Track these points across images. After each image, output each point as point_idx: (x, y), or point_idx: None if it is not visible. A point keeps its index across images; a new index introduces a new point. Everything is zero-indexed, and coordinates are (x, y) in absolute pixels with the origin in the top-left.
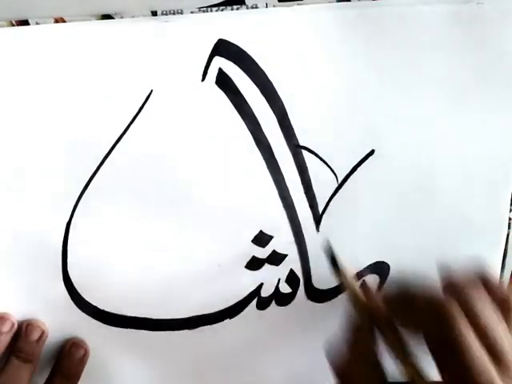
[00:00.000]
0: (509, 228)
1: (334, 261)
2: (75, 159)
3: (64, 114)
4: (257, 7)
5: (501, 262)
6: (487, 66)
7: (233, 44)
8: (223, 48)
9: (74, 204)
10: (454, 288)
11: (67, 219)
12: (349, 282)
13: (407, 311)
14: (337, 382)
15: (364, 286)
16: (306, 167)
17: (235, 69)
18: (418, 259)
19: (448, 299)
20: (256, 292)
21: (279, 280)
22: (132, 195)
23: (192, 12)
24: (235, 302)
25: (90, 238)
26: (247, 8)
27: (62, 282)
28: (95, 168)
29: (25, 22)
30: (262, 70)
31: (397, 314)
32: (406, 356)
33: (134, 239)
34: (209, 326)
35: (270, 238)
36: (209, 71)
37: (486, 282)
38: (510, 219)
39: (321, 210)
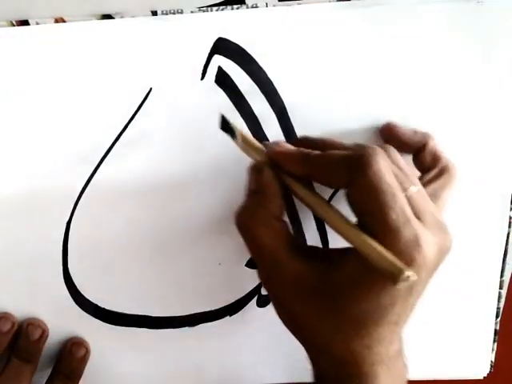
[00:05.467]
0: (509, 227)
1: (225, 124)
2: (74, 158)
3: (63, 113)
4: (257, 7)
5: (501, 262)
6: (488, 65)
7: (232, 42)
8: (223, 46)
9: (74, 203)
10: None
11: (67, 218)
12: (245, 136)
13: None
14: (241, 235)
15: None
16: None
17: (235, 67)
18: None
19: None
20: (256, 290)
21: None
22: (131, 193)
23: (192, 12)
24: (236, 299)
25: (90, 236)
26: (247, 7)
27: (63, 281)
28: (95, 166)
29: (25, 22)
30: (261, 68)
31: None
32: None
33: (135, 237)
34: (209, 324)
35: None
36: (208, 70)
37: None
38: (510, 218)
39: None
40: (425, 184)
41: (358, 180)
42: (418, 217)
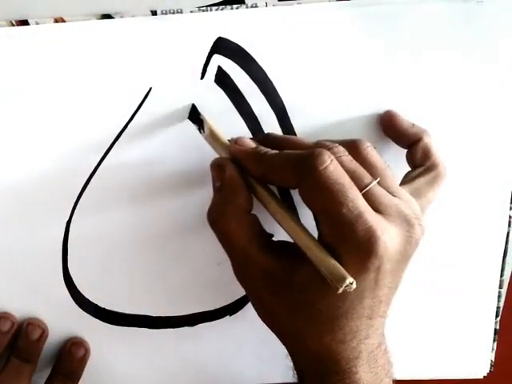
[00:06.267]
0: (509, 226)
1: (195, 114)
2: (75, 157)
3: (64, 112)
4: (257, 6)
5: (501, 261)
6: (487, 65)
7: (232, 42)
8: (222, 46)
9: (73, 202)
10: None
11: (67, 218)
12: (212, 129)
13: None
14: (214, 232)
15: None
16: None
17: (234, 67)
18: (417, 256)
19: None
20: None
21: None
22: (131, 193)
23: (192, 11)
24: (235, 299)
25: (90, 236)
26: (247, 7)
27: (63, 281)
28: (94, 166)
29: (24, 22)
30: (261, 68)
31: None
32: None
33: (134, 237)
34: (209, 323)
35: (270, 236)
36: (208, 69)
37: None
38: (510, 217)
39: None
40: (409, 180)
41: (306, 181)
42: (378, 210)
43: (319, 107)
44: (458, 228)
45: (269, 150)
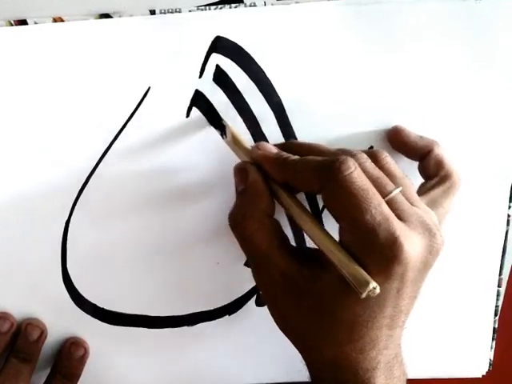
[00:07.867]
0: (507, 225)
1: (217, 119)
2: (73, 157)
3: (62, 112)
4: (255, 5)
5: (500, 259)
6: (485, 63)
7: (230, 41)
8: (221, 45)
9: (72, 202)
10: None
11: (66, 218)
12: (234, 135)
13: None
14: (235, 235)
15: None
16: None
17: (233, 66)
18: None
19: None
20: (255, 289)
21: None
22: (130, 192)
23: (190, 10)
24: (234, 298)
25: (89, 236)
26: (245, 6)
27: (62, 281)
28: (94, 165)
29: (23, 22)
30: (259, 67)
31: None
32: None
33: (133, 237)
34: (208, 323)
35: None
36: (206, 68)
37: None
38: (508, 216)
39: (320, 206)
40: (424, 191)
41: (330, 186)
42: (400, 218)
43: (317, 106)
44: (457, 227)
45: (291, 155)
